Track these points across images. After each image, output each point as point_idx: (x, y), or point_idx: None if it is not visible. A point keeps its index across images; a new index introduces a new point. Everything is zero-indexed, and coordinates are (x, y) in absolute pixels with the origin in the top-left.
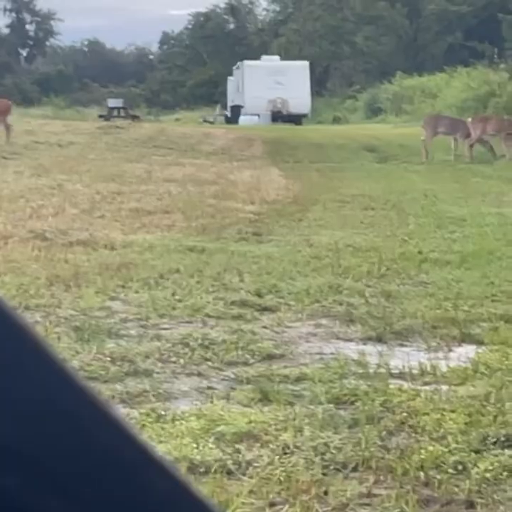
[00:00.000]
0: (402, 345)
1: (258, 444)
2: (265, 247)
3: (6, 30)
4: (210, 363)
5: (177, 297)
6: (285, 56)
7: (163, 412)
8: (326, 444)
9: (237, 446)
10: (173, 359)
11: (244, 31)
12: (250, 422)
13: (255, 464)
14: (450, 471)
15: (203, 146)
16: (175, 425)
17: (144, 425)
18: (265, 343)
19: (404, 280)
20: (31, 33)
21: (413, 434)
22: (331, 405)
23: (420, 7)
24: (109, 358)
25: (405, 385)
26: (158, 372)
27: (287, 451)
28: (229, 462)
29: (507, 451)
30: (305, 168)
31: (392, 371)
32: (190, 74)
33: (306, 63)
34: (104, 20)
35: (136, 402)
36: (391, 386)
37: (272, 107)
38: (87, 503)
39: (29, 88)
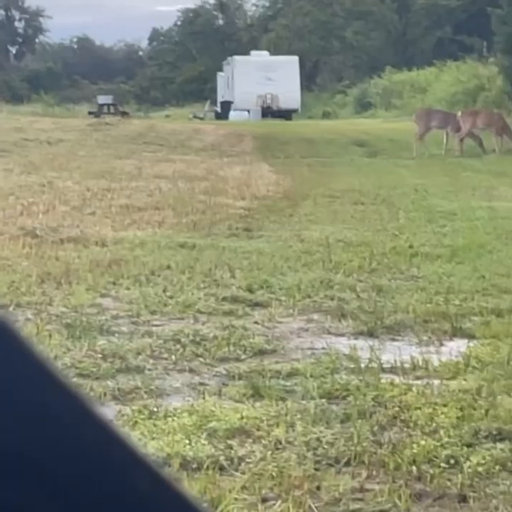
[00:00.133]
0: (393, 339)
1: (250, 440)
2: (256, 243)
3: None
4: (201, 359)
5: (168, 294)
6: (275, 51)
7: (155, 409)
8: (318, 439)
9: (229, 442)
10: (165, 355)
11: (234, 27)
12: (242, 417)
13: (247, 460)
14: (442, 465)
15: (193, 143)
16: (167, 422)
17: (136, 422)
18: (257, 338)
19: (395, 274)
20: (20, 30)
21: (405, 429)
22: (323, 400)
23: (409, 2)
24: (100, 355)
25: (397, 379)
26: (149, 369)
27: (279, 446)
28: (221, 458)
29: (499, 445)
30: (295, 163)
31: (384, 366)
32: (179, 70)
33: (295, 58)
34: (93, 17)
35: (128, 398)
36: (383, 381)
37: (262, 103)
38: (74, 504)
39: (18, 85)
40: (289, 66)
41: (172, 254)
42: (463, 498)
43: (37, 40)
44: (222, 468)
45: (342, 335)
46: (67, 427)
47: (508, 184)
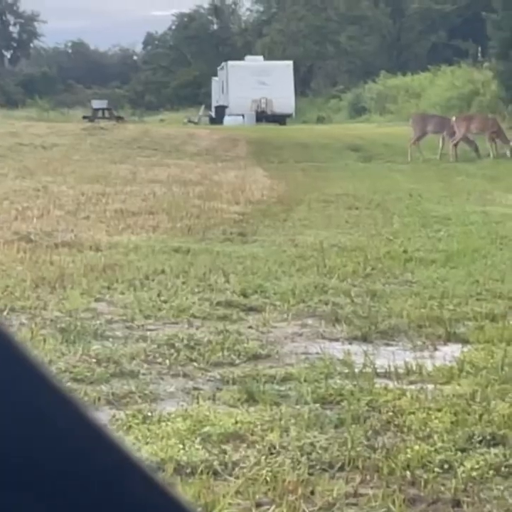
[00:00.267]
0: (387, 344)
1: (244, 445)
2: (250, 248)
3: None
4: (195, 364)
5: (162, 298)
6: (269, 56)
7: (149, 413)
8: (312, 444)
9: (223, 446)
10: (159, 360)
11: (228, 32)
12: (236, 422)
13: (241, 465)
14: (436, 470)
15: (187, 147)
16: (161, 426)
17: (130, 427)
18: (251, 343)
19: (390, 279)
20: (15, 35)
21: (399, 434)
22: (317, 405)
23: (404, 6)
24: (94, 360)
25: (391, 384)
26: (143, 374)
27: (273, 451)
28: (215, 463)
29: (493, 450)
30: (289, 168)
31: (378, 370)
32: (174, 75)
33: (289, 63)
34: (88, 21)
35: (122, 403)
36: (377, 385)
37: (256, 107)
38: (68, 508)
39: (13, 90)
40: (284, 71)
41: (166, 258)
42: (457, 503)
43: (32, 45)
44: (216, 473)
45: (336, 340)
46: (61, 431)
47: (503, 189)
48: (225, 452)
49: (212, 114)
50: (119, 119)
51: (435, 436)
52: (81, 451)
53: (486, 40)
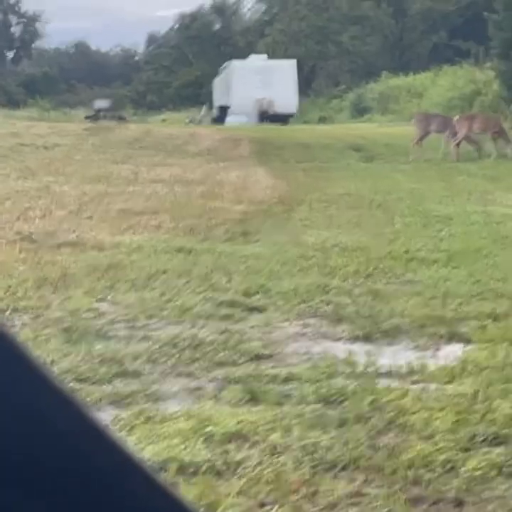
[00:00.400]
0: (389, 344)
1: (247, 445)
2: (252, 247)
3: None
4: (198, 364)
5: (165, 298)
6: (271, 56)
7: (152, 413)
8: (314, 444)
9: (226, 446)
10: (162, 360)
11: (230, 31)
12: (239, 422)
13: (244, 464)
14: (439, 469)
15: (189, 147)
16: (164, 426)
17: (133, 427)
18: (253, 343)
19: (392, 279)
20: (17, 35)
21: (401, 433)
22: (320, 405)
23: (406, 6)
24: (97, 360)
25: (393, 384)
26: (147, 373)
27: (276, 451)
28: (218, 463)
29: (495, 450)
30: (291, 168)
31: (380, 370)
32: (176, 75)
33: (293, 62)
34: (90, 22)
35: (125, 403)
36: (379, 385)
37: (259, 107)
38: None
39: (15, 90)
40: (287, 70)
41: (169, 258)
42: (459, 503)
43: (33, 45)
44: (219, 473)
45: (338, 340)
46: (61, 432)
47: (504, 189)
48: (227, 452)
49: (216, 113)
50: (120, 119)
51: (438, 436)
52: (82, 451)
53: (487, 40)
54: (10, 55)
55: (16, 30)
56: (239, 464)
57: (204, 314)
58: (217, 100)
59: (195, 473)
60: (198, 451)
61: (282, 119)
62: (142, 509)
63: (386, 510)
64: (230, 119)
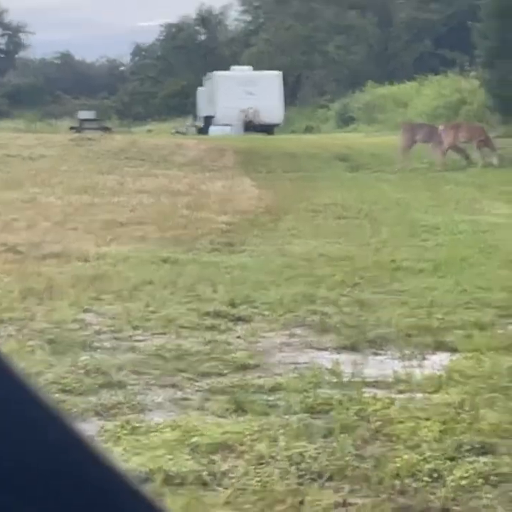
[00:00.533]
0: (376, 353)
1: (233, 455)
2: (238, 258)
3: None
4: (184, 374)
5: (150, 309)
6: (257, 66)
7: (137, 424)
8: (301, 454)
9: (212, 457)
10: (147, 371)
11: (216, 42)
12: (225, 432)
13: (230, 475)
14: (425, 479)
15: (175, 157)
16: (149, 437)
17: (118, 437)
18: (239, 353)
19: (378, 289)
20: (2, 46)
21: (388, 443)
22: (306, 415)
23: (391, 16)
24: (83, 371)
25: (380, 393)
26: (132, 384)
27: (262, 461)
28: (204, 473)
29: (482, 459)
30: (277, 177)
31: (367, 380)
32: (161, 85)
33: (279, 73)
34: (75, 33)
35: (111, 414)
36: (365, 395)
37: (244, 117)
38: None
39: (0, 101)
40: (272, 80)
41: (154, 269)
42: None
43: (18, 56)
44: (205, 484)
45: (325, 349)
46: (46, 445)
47: (491, 197)
48: (213, 462)
49: (201, 124)
50: (106, 129)
51: (424, 445)
52: (67, 464)
53: (472, 49)
54: None
55: (1, 41)
56: (225, 474)
57: (189, 325)
58: (201, 110)
59: (181, 484)
60: (184, 461)
61: (267, 129)
62: None
63: None
64: (214, 129)
